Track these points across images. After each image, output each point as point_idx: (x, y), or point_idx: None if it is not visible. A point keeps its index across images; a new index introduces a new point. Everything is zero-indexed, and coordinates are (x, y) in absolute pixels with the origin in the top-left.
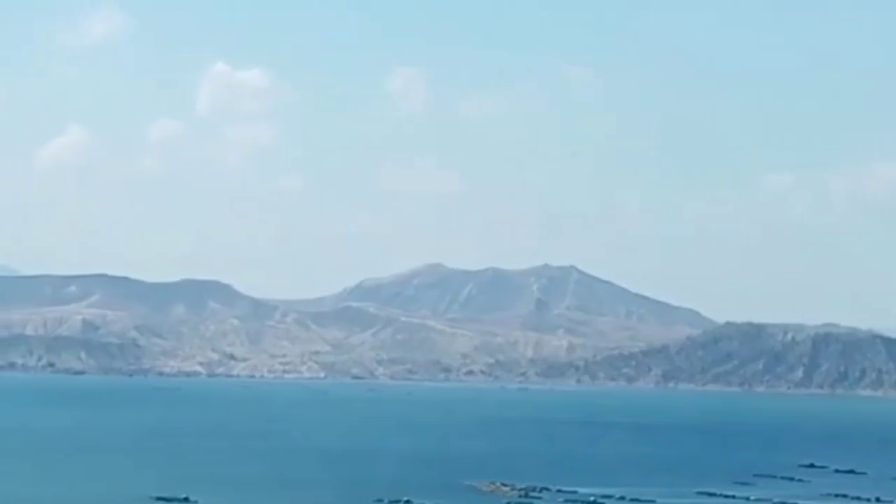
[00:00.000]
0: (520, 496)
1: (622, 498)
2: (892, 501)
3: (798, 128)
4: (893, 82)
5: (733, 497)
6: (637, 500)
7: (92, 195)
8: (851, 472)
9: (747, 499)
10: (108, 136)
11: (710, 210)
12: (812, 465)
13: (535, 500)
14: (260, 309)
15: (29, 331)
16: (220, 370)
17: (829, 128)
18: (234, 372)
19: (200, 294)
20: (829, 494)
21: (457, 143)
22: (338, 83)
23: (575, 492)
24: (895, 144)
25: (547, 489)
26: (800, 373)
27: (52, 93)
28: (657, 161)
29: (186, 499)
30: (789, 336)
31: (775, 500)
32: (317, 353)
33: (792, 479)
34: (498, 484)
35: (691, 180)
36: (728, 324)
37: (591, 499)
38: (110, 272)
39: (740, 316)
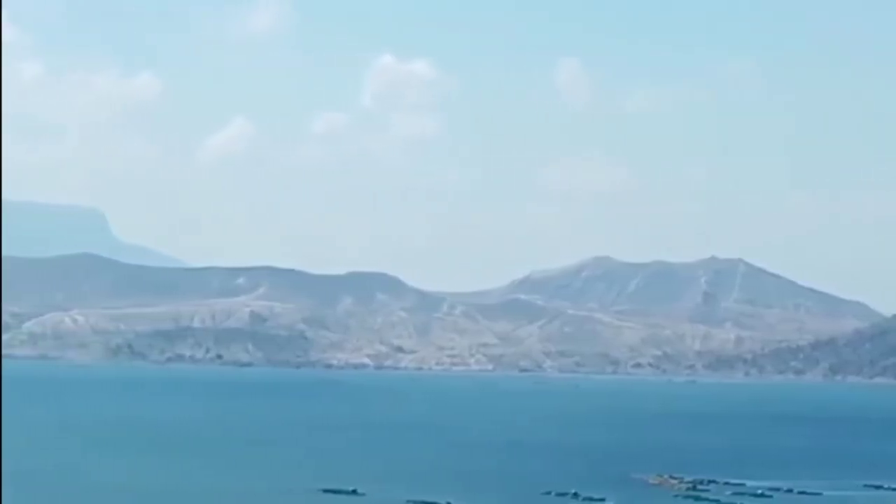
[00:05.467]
0: (688, 489)
1: (790, 490)
2: None
3: None
4: None
5: None
6: (804, 492)
7: (258, 187)
8: None
9: None
10: (273, 127)
11: (876, 201)
12: None
13: (702, 493)
14: (427, 301)
15: (197, 323)
16: (388, 362)
17: None
18: (402, 364)
19: (368, 286)
20: None
21: (622, 136)
22: (503, 75)
23: (743, 484)
24: None
25: (714, 482)
26: None
27: (218, 84)
28: (821, 153)
29: (354, 491)
30: None
31: None
32: (485, 345)
33: None
34: (666, 477)
35: (857, 172)
36: None
37: (759, 491)
38: (278, 264)
39: None
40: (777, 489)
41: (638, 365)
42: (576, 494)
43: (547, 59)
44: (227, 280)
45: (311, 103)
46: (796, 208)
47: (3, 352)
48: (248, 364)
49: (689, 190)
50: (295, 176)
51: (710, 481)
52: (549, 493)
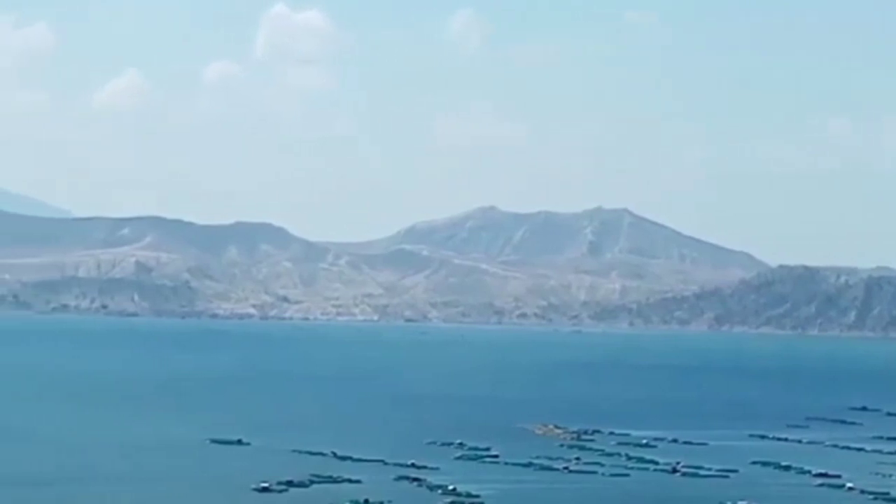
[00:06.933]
0: (572, 439)
1: (674, 441)
2: None
3: (856, 73)
4: None
5: (785, 440)
6: (689, 442)
7: (146, 137)
8: None
9: (799, 441)
10: (164, 78)
11: (765, 153)
12: (864, 408)
13: (587, 443)
14: (312, 251)
15: (82, 273)
16: (273, 312)
17: (885, 73)
18: (287, 314)
19: (253, 236)
20: (880, 437)
21: (515, 88)
22: (397, 25)
23: (628, 434)
24: None
25: (599, 431)
26: (852, 316)
27: (108, 35)
28: (713, 105)
29: (240, 441)
30: (842, 279)
31: (827, 442)
32: (370, 295)
33: (844, 421)
34: (551, 426)
35: (747, 124)
36: (781, 267)
37: (644, 441)
38: (163, 215)
39: (793, 259)
40: (661, 439)
41: (523, 315)
42: (461, 444)
43: (441, 9)
44: (112, 230)
45: (203, 54)
46: (683, 160)
47: None
48: (134, 314)
49: (579, 142)
50: (184, 126)
51: (594, 431)
52: (433, 443)
